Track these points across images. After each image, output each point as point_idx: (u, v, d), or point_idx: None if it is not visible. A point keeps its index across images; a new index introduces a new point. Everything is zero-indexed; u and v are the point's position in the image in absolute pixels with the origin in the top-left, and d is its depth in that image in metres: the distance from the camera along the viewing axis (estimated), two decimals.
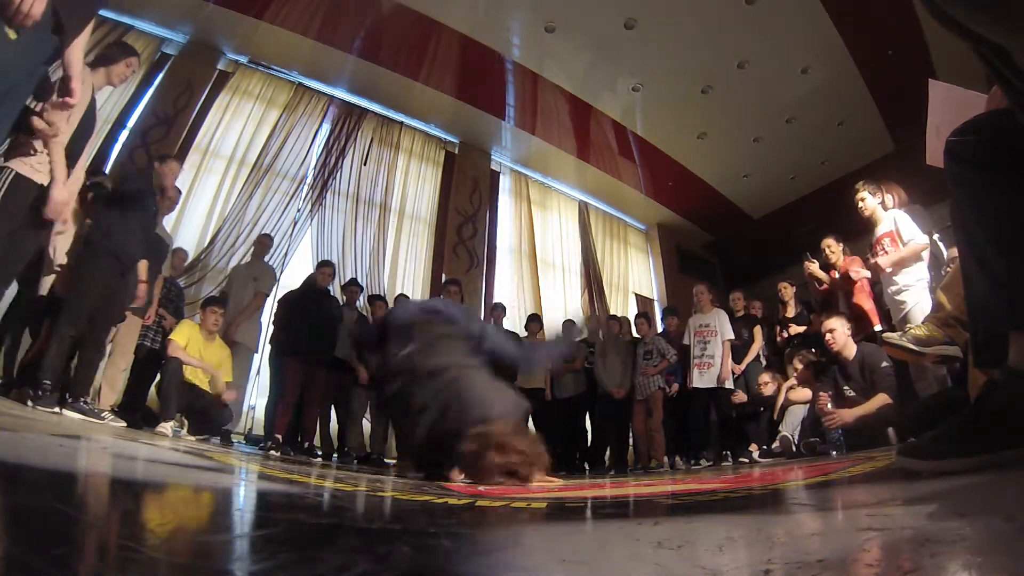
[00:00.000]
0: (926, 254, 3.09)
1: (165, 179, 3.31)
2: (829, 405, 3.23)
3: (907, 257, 3.05)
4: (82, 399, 2.80)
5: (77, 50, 1.95)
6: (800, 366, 3.92)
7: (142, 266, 3.18)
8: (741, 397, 4.47)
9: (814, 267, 4.02)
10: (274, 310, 4.79)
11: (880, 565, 0.47)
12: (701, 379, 4.64)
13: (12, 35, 1.53)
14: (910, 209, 3.34)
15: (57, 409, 2.57)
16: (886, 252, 3.16)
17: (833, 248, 3.93)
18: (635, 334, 5.48)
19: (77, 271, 2.85)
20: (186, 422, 3.91)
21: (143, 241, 3.10)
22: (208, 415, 3.76)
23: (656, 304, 8.32)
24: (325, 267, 4.80)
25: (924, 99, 1.58)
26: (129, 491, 0.96)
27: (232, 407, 4.08)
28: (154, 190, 3.26)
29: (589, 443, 5.32)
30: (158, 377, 3.92)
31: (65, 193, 2.33)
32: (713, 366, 4.62)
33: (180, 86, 5.65)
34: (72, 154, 2.41)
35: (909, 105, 3.05)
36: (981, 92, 1.25)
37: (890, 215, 3.24)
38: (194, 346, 3.76)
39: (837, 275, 3.86)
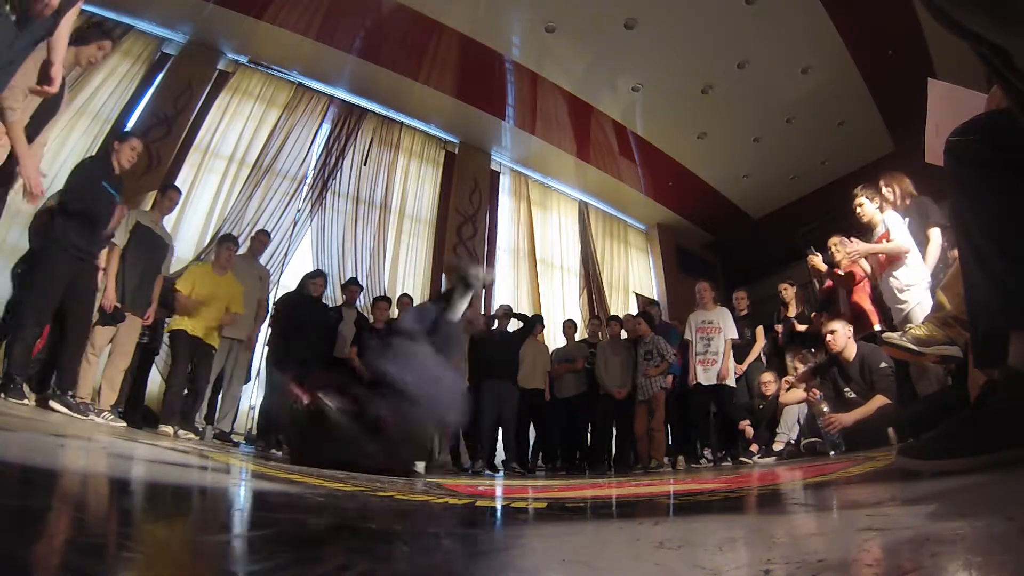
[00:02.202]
0: (910, 258, 3.08)
1: (122, 158, 3.17)
2: (825, 408, 3.22)
3: (882, 252, 3.04)
4: (69, 393, 2.83)
5: (63, 36, 1.93)
6: (800, 366, 3.91)
7: (103, 256, 3.16)
8: (749, 432, 4.37)
9: (817, 260, 3.99)
10: (270, 312, 4.78)
11: (880, 565, 0.47)
12: (705, 375, 4.59)
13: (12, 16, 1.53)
14: (921, 201, 3.31)
15: (26, 401, 2.60)
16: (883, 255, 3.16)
17: (839, 247, 3.92)
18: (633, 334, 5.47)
19: (36, 267, 2.85)
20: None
21: (103, 230, 3.06)
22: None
23: (657, 304, 8.31)
24: (316, 277, 4.70)
25: (924, 99, 1.58)
26: (129, 491, 0.96)
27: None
28: (112, 174, 3.15)
29: (590, 443, 5.32)
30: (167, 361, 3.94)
31: (34, 168, 2.30)
32: (717, 363, 4.58)
33: (180, 86, 5.64)
34: (32, 134, 2.35)
35: (909, 105, 3.05)
36: (981, 92, 1.25)
37: (884, 217, 3.24)
38: (203, 284, 3.79)
39: (841, 272, 3.85)
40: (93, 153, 4.91)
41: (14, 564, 0.37)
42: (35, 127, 2.37)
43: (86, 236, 2.90)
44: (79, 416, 2.74)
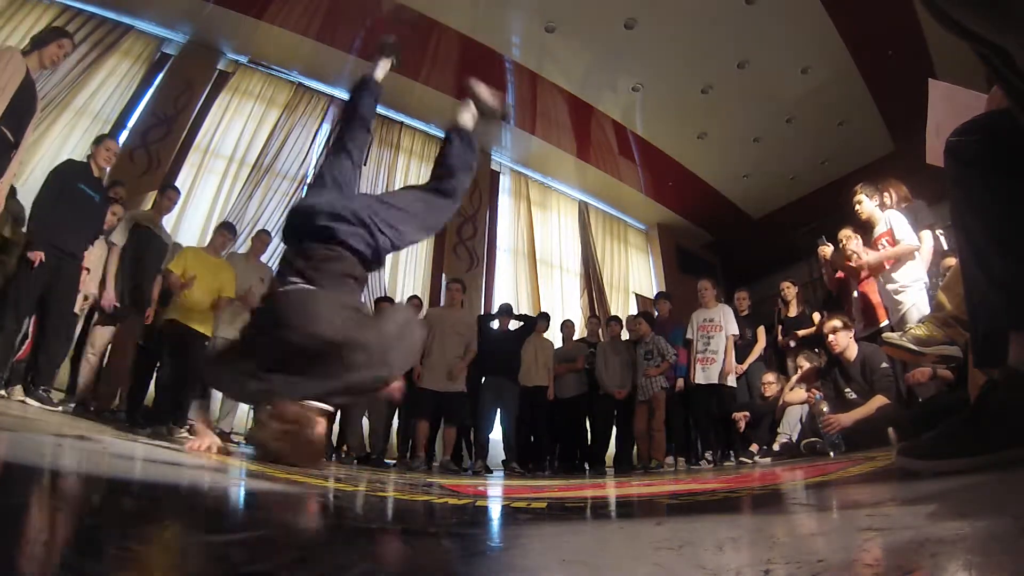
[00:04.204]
0: (920, 255, 3.08)
1: (99, 159, 3.27)
2: (824, 408, 3.22)
3: (893, 257, 3.03)
4: (42, 388, 2.87)
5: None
6: (806, 364, 3.90)
7: (95, 256, 3.24)
8: (741, 425, 4.35)
9: (828, 250, 3.97)
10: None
11: (880, 565, 0.47)
12: (703, 375, 4.58)
13: None
14: (913, 206, 3.31)
15: (4, 394, 2.65)
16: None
17: (852, 239, 3.90)
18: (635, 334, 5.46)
19: (16, 265, 2.90)
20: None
21: (85, 231, 3.13)
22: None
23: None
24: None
25: (924, 99, 1.57)
26: (128, 491, 0.95)
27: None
28: (91, 176, 3.21)
29: (590, 443, 5.31)
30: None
31: None
32: (716, 361, 4.56)
33: (180, 86, 5.65)
34: (11, 134, 2.36)
35: (909, 105, 3.05)
36: (981, 92, 1.25)
37: (886, 215, 3.23)
38: (195, 266, 3.73)
39: (852, 264, 3.84)
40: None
41: (10, 564, 0.37)
42: (11, 126, 2.36)
43: (64, 237, 2.95)
44: (52, 410, 2.78)
